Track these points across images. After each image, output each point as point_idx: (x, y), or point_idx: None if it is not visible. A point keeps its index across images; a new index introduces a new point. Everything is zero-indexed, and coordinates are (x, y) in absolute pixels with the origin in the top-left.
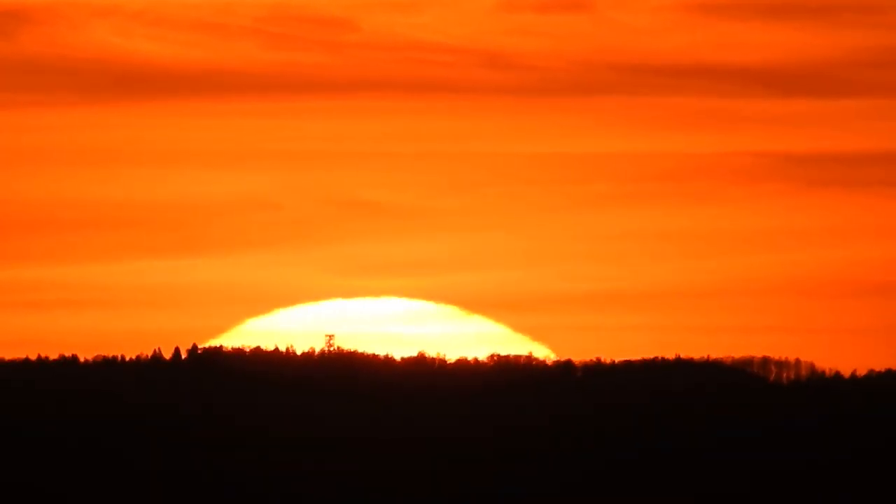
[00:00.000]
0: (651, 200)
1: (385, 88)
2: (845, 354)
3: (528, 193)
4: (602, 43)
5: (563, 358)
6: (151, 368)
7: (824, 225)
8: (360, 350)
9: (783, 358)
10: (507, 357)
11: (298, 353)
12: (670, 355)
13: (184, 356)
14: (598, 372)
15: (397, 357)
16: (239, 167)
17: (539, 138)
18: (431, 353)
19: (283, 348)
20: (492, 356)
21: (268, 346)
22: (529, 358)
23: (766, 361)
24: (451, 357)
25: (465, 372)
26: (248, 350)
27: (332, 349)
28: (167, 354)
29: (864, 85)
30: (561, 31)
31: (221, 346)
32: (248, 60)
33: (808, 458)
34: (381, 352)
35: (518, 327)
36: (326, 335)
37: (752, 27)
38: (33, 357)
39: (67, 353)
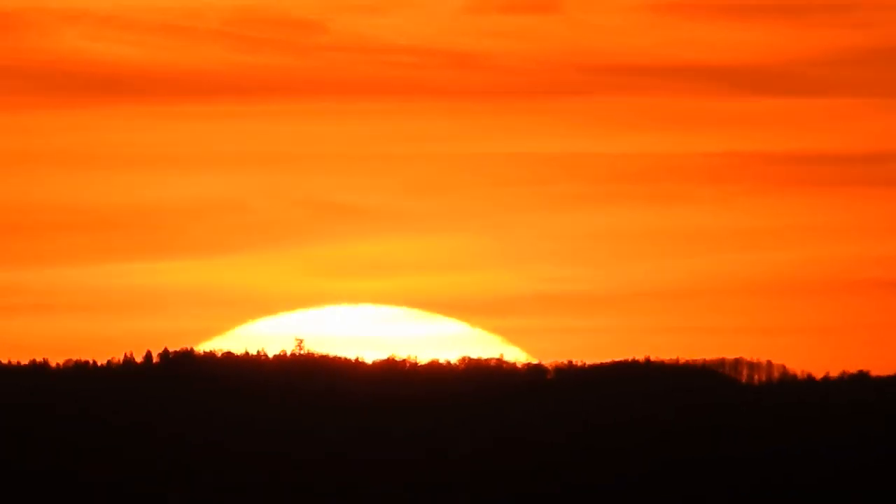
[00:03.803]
0: (622, 201)
1: (354, 90)
2: (817, 356)
3: (499, 194)
4: (570, 43)
5: (535, 360)
6: (123, 373)
7: (796, 224)
8: (331, 353)
9: (755, 359)
10: (478, 360)
11: (270, 356)
12: (641, 357)
13: (155, 360)
14: (569, 374)
15: (368, 360)
16: (209, 170)
17: (508, 139)
18: (402, 355)
19: (253, 352)
20: (463, 359)
21: (238, 350)
22: (500, 360)
23: (737, 363)
24: (423, 359)
25: (437, 374)
26: (219, 354)
27: (302, 353)
28: (139, 359)
29: (834, 84)
30: (529, 32)
31: (193, 350)
32: (216, 63)
33: (781, 460)
34: (351, 355)
35: (489, 329)
36: (296, 339)
37: (721, 27)
38: (4, 361)
39: (38, 358)
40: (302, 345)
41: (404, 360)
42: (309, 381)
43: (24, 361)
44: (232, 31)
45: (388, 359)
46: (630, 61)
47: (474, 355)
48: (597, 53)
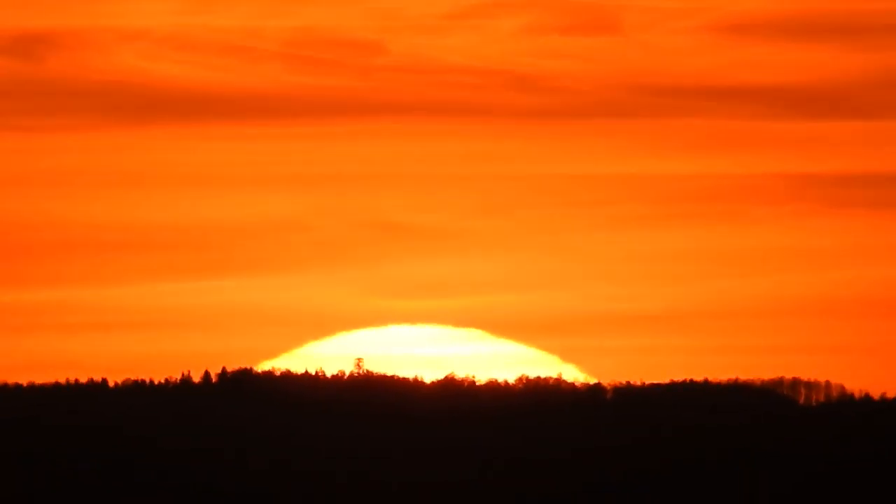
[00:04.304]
0: (680, 221)
1: (413, 111)
2: (874, 375)
3: (558, 215)
4: (629, 65)
5: (593, 380)
6: (181, 392)
7: (850, 244)
8: (390, 373)
9: (813, 379)
10: (536, 379)
11: (328, 375)
12: (699, 377)
13: (214, 380)
14: (628, 394)
15: (427, 380)
16: (269, 189)
17: (566, 160)
18: (461, 374)
19: (312, 371)
20: (521, 378)
21: (298, 369)
22: (559, 380)
23: (795, 383)
24: (481, 379)
25: (495, 394)
26: (278, 373)
27: (360, 372)
28: (197, 378)
29: (889, 106)
30: (587, 53)
31: (251, 369)
32: (275, 84)
33: (838, 479)
34: (410, 374)
35: (547, 349)
36: (356, 358)
37: (778, 48)
38: (63, 381)
39: (97, 377)
40: (361, 364)
41: (463, 380)
42: (367, 400)
43: (83, 380)
44: (291, 52)
45: (447, 378)
46: (688, 82)
47: (532, 374)
48: (655, 74)
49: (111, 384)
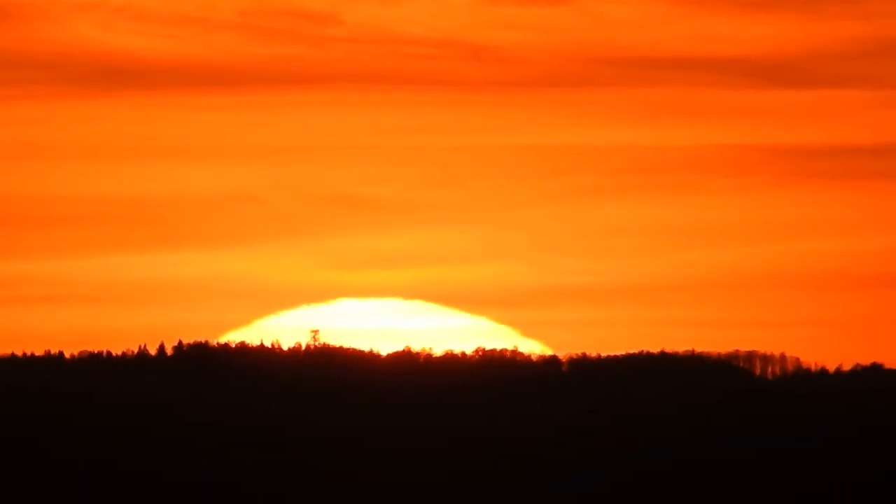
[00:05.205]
0: (635, 193)
1: (368, 81)
2: (830, 348)
3: (513, 186)
4: (585, 35)
5: (549, 352)
6: (137, 364)
7: (808, 217)
8: (346, 345)
9: (769, 352)
10: (492, 351)
11: (284, 348)
12: (655, 349)
13: (169, 352)
14: (584, 366)
15: (383, 352)
16: (222, 161)
17: (522, 131)
18: (417, 347)
19: (268, 343)
20: (477, 350)
21: (253, 342)
22: (515, 352)
23: (751, 356)
24: (438, 351)
25: (452, 366)
26: (233, 345)
27: (317, 344)
28: (153, 350)
29: (847, 76)
30: (543, 24)
31: (207, 342)
32: (231, 54)
33: (795, 451)
34: (366, 347)
35: (504, 321)
36: (311, 330)
37: (735, 19)
38: (19, 353)
39: (53, 350)
40: (317, 336)
41: (419, 352)
42: (324, 372)
43: (39, 352)
44: (246, 22)
45: (403, 351)
46: (645, 53)
47: (489, 347)
48: (612, 45)
49: (67, 356)
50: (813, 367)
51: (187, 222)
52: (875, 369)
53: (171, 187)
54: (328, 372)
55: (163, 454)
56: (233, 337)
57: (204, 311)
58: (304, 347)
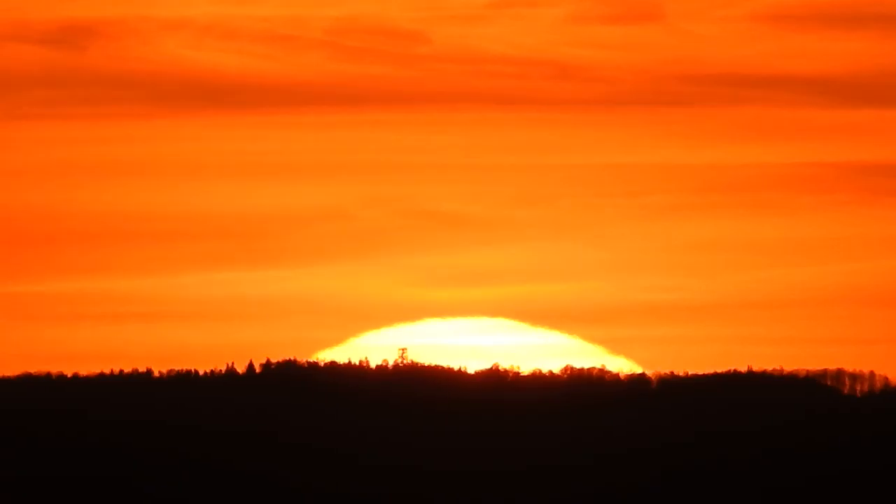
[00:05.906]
0: (724, 211)
1: (456, 101)
2: None
3: (601, 205)
4: (671, 54)
5: (637, 370)
6: (225, 382)
7: (893, 234)
8: (434, 363)
9: (857, 370)
10: (580, 370)
11: (373, 366)
12: (742, 367)
13: (258, 370)
14: (672, 384)
15: (471, 370)
16: (311, 179)
17: (609, 149)
18: (504, 365)
19: (356, 362)
20: (565, 368)
21: (342, 359)
22: (603, 370)
23: (839, 373)
24: (525, 370)
25: (539, 384)
26: (322, 364)
27: (405, 362)
28: (241, 369)
29: None
30: (630, 42)
31: (295, 360)
32: (319, 72)
33: (883, 471)
34: (454, 364)
35: (591, 339)
36: (399, 348)
37: (822, 37)
38: (107, 371)
39: (141, 368)
40: (405, 354)
41: (507, 370)
42: (412, 390)
43: (128, 370)
44: (335, 41)
45: (492, 368)
46: (731, 71)
47: (577, 365)
48: (698, 63)
49: (156, 375)
50: None
51: (277, 239)
52: None
53: (261, 205)
54: (417, 390)
55: (251, 473)
56: (322, 355)
57: (293, 328)
58: (391, 365)
